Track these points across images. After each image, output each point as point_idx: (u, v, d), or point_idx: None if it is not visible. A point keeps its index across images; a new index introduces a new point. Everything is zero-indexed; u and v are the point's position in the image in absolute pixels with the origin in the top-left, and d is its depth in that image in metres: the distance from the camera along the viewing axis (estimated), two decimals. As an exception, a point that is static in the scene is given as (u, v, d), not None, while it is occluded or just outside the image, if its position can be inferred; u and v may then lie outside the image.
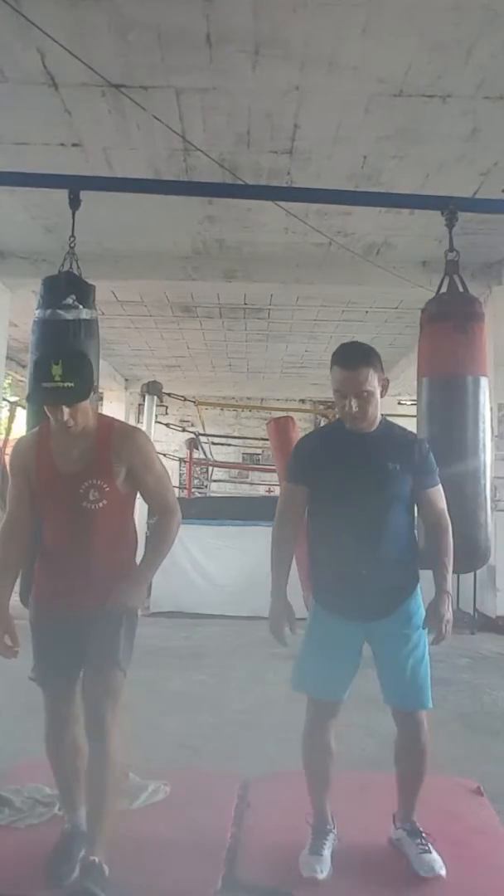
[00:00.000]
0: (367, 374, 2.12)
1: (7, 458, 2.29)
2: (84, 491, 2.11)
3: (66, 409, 2.05)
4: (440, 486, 2.28)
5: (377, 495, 2.17)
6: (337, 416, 2.32)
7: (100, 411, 2.31)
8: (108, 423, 2.22)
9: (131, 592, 2.11)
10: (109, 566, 2.14)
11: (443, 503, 2.28)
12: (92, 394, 2.14)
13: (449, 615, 2.19)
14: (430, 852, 2.19)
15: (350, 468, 2.18)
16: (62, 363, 2.06)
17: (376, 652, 2.24)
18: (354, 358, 2.15)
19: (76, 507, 2.12)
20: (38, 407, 2.18)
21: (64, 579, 2.16)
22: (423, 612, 2.23)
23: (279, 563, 2.30)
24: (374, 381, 2.14)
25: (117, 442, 2.15)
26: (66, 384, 2.04)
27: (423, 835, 2.24)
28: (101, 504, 2.12)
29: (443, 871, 2.12)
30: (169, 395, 8.46)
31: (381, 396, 2.18)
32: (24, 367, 7.54)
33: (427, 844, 2.21)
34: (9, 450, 9.47)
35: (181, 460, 12.25)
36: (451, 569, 2.26)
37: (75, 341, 2.93)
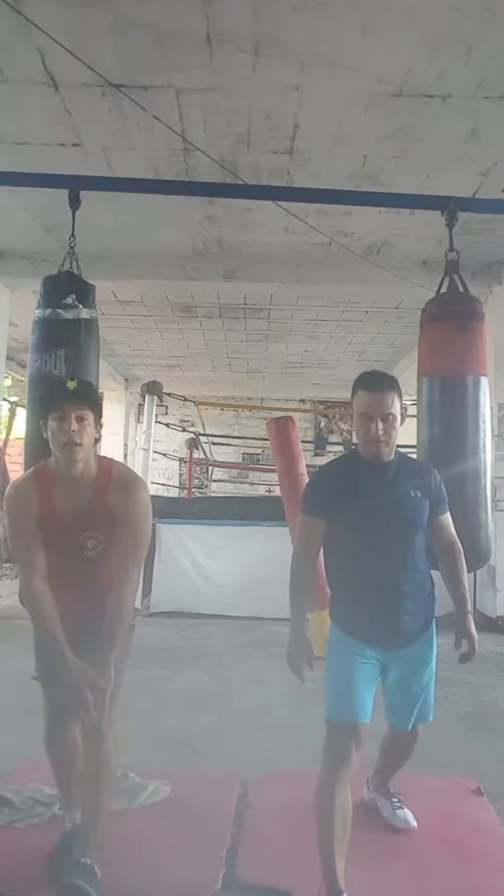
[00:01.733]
0: (393, 397, 2.14)
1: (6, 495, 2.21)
2: (83, 540, 2.14)
3: (74, 423, 2.06)
4: (449, 515, 2.32)
5: (400, 523, 2.17)
6: (347, 439, 2.34)
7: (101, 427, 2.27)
8: (107, 470, 2.19)
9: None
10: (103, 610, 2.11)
11: (453, 529, 2.32)
12: (97, 439, 2.16)
13: (475, 633, 2.27)
14: (403, 808, 2.45)
15: (372, 497, 2.16)
16: (77, 381, 2.19)
17: (390, 676, 2.23)
18: (381, 382, 2.17)
19: (75, 555, 2.14)
20: (47, 412, 2.15)
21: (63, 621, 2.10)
22: (436, 643, 2.27)
23: (298, 598, 2.26)
24: (398, 406, 2.16)
25: (113, 492, 2.14)
26: (78, 394, 2.14)
27: (397, 795, 2.49)
28: (99, 552, 2.15)
29: (414, 823, 2.39)
30: (169, 395, 8.47)
31: (400, 424, 2.19)
32: (23, 366, 7.53)
33: (401, 803, 2.47)
34: (9, 450, 9.50)
35: (181, 460, 12.25)
36: (468, 588, 2.31)
37: (75, 341, 2.94)
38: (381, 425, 2.12)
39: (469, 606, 2.28)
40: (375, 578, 2.15)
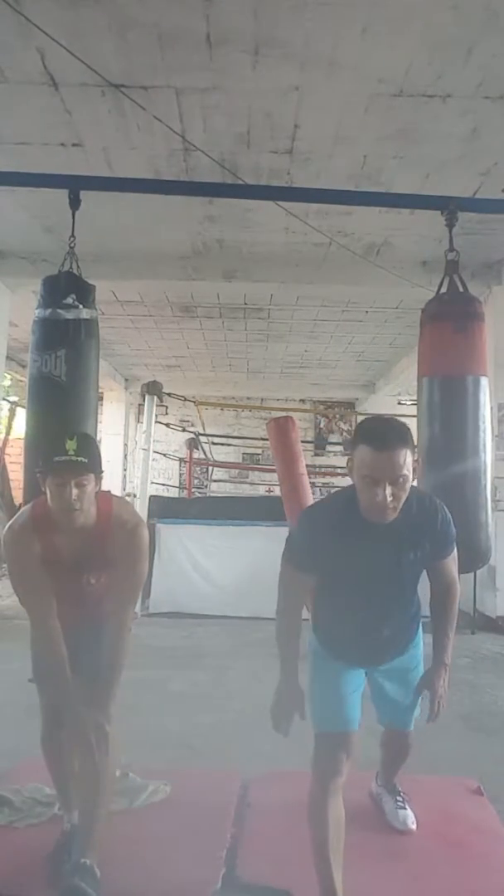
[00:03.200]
0: (405, 455, 1.81)
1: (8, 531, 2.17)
2: (84, 579, 2.16)
3: (74, 489, 2.01)
4: (455, 551, 2.10)
5: (395, 584, 2.06)
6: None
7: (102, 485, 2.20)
8: (106, 513, 2.14)
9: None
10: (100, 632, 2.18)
11: (455, 570, 2.13)
12: (98, 483, 2.10)
13: (445, 689, 2.09)
14: (405, 808, 2.43)
15: (369, 563, 1.97)
16: (76, 439, 2.06)
17: (375, 683, 2.24)
18: (390, 437, 1.82)
19: (76, 590, 2.15)
20: (49, 478, 2.08)
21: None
22: (421, 647, 2.24)
23: (287, 640, 2.09)
24: (410, 463, 1.83)
25: (113, 538, 2.13)
26: (79, 458, 2.02)
27: (402, 793, 2.46)
28: (99, 584, 2.17)
29: (414, 826, 2.36)
30: (169, 395, 8.45)
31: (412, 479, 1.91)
32: (24, 366, 7.53)
33: (404, 802, 2.44)
34: (9, 450, 9.49)
35: (181, 460, 12.24)
36: (452, 638, 2.15)
37: (75, 341, 2.94)
38: (389, 490, 1.81)
39: (448, 658, 2.11)
40: (362, 623, 2.07)
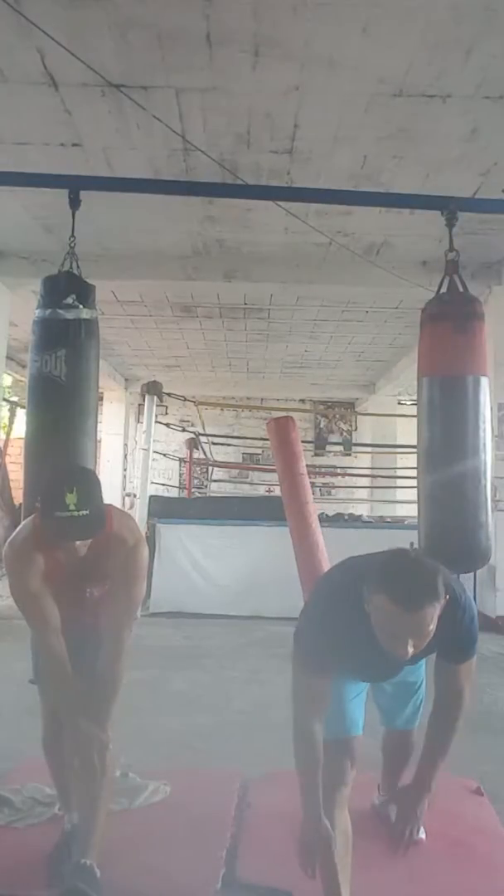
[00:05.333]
0: (435, 611, 1.59)
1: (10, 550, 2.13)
2: (85, 591, 2.16)
3: (80, 545, 1.99)
4: (474, 659, 1.89)
5: (401, 677, 2.03)
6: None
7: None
8: (107, 531, 2.09)
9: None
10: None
11: (468, 682, 1.91)
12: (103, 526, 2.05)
13: (421, 817, 1.92)
14: None
15: (380, 670, 1.90)
16: (76, 490, 1.93)
17: (377, 684, 2.22)
18: (419, 596, 1.59)
19: (76, 600, 2.15)
20: (52, 538, 2.02)
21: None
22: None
23: (307, 768, 1.87)
24: (437, 614, 1.62)
25: (113, 555, 2.13)
26: (81, 513, 1.92)
27: None
28: (100, 593, 2.17)
29: (423, 835, 2.23)
30: (169, 395, 8.46)
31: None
32: (24, 367, 7.53)
33: None
34: (9, 450, 9.49)
35: (181, 460, 12.23)
36: (445, 758, 1.95)
37: (75, 341, 2.93)
38: (412, 646, 1.63)
39: (434, 783, 1.93)
40: (368, 681, 2.06)
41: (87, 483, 2.01)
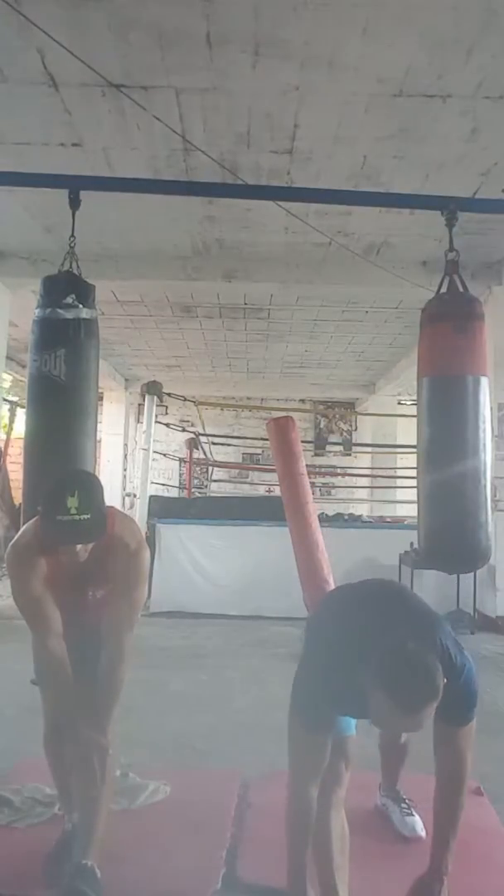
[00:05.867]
0: (434, 708, 1.57)
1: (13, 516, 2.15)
2: (87, 593, 2.16)
3: (80, 549, 1.98)
4: (473, 723, 1.82)
5: None
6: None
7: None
8: (109, 533, 2.09)
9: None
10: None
11: (468, 750, 1.83)
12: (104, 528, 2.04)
13: None
14: (413, 815, 2.40)
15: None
16: (78, 494, 1.93)
17: None
18: (422, 699, 1.54)
19: (78, 603, 2.16)
20: (52, 541, 2.01)
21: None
22: None
23: (299, 837, 1.78)
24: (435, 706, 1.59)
25: (113, 559, 2.12)
26: (82, 517, 1.92)
27: (407, 800, 2.43)
28: (102, 595, 2.17)
29: (423, 833, 2.31)
30: (169, 395, 8.47)
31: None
32: (24, 367, 7.53)
33: (410, 809, 2.42)
34: (9, 450, 9.49)
35: (181, 460, 12.24)
36: (456, 835, 1.82)
37: (75, 341, 2.93)
38: (405, 735, 1.69)
39: (448, 865, 1.78)
40: None
41: (89, 487, 2.01)
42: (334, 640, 1.80)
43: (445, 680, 1.57)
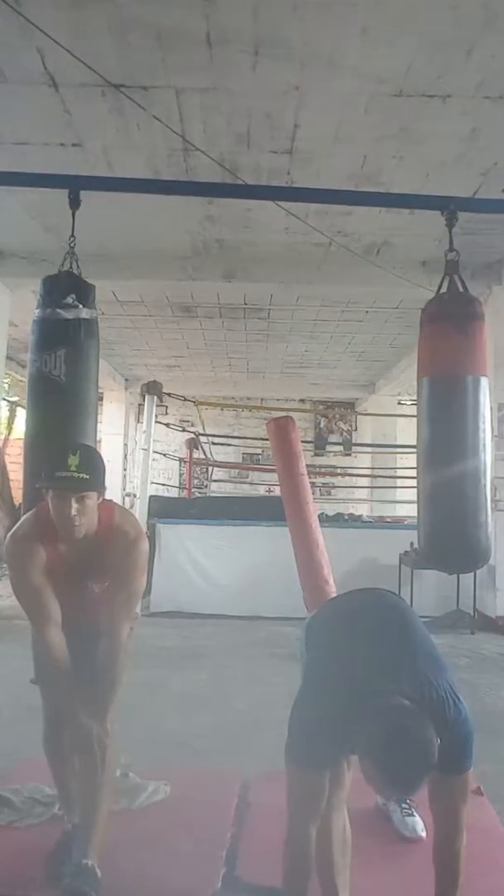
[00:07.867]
0: (425, 779, 1.54)
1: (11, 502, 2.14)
2: (86, 585, 2.16)
3: (74, 504, 1.99)
4: (469, 773, 1.73)
5: None
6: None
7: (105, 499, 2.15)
8: (108, 523, 2.13)
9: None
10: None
11: (464, 800, 1.73)
12: (101, 496, 2.07)
13: None
14: (413, 815, 2.40)
15: None
16: (79, 454, 2.01)
17: None
18: (415, 776, 1.49)
19: (78, 595, 2.16)
20: (50, 492, 2.04)
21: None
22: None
23: (296, 881, 1.70)
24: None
25: (113, 549, 2.13)
26: (80, 475, 1.98)
27: (407, 800, 2.42)
28: (101, 589, 2.17)
29: (423, 834, 2.31)
30: (169, 395, 8.46)
31: None
32: (23, 367, 7.54)
33: (411, 809, 2.42)
34: (9, 450, 9.49)
35: (181, 460, 12.24)
36: (459, 887, 1.73)
37: (75, 341, 2.93)
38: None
39: None
40: None
41: (91, 455, 2.08)
42: (330, 680, 1.74)
43: (439, 740, 1.50)
